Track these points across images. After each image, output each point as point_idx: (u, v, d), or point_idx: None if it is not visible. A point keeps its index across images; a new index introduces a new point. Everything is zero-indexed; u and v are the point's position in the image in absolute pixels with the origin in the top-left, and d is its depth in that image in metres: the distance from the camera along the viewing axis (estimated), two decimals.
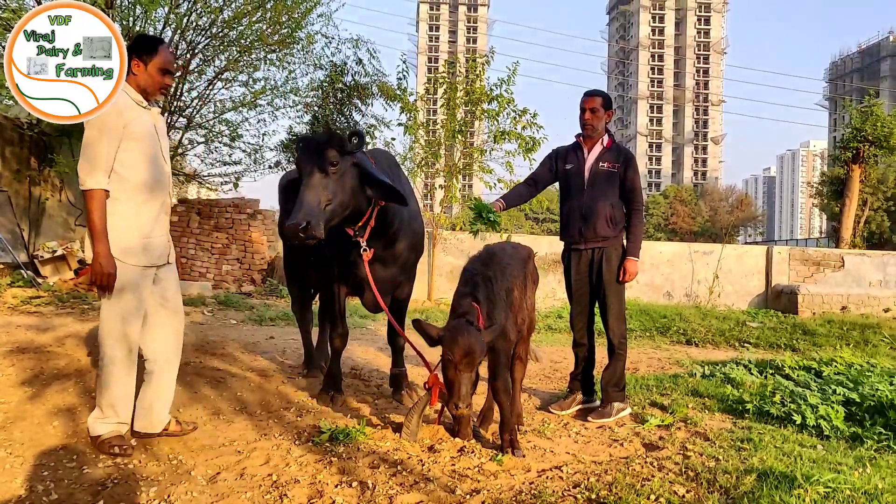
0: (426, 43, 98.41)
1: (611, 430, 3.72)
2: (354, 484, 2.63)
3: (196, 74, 9.73)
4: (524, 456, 3.09)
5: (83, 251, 8.87)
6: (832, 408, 3.80)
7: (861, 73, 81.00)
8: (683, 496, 2.59)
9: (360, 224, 3.44)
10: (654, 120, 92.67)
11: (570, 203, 4.12)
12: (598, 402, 4.15)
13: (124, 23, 8.13)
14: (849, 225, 18.80)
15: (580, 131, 4.14)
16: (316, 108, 11.63)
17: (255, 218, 10.99)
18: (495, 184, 11.21)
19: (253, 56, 9.87)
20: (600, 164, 4.03)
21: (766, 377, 4.95)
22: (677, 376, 5.21)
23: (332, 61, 11.53)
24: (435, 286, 11.15)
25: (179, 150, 10.33)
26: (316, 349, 4.79)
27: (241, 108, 10.56)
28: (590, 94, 4.10)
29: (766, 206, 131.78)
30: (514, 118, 10.54)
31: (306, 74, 11.10)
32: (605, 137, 4.09)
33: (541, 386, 5.10)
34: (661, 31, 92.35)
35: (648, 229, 50.93)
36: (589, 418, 3.92)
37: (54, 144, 8.99)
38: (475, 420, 3.60)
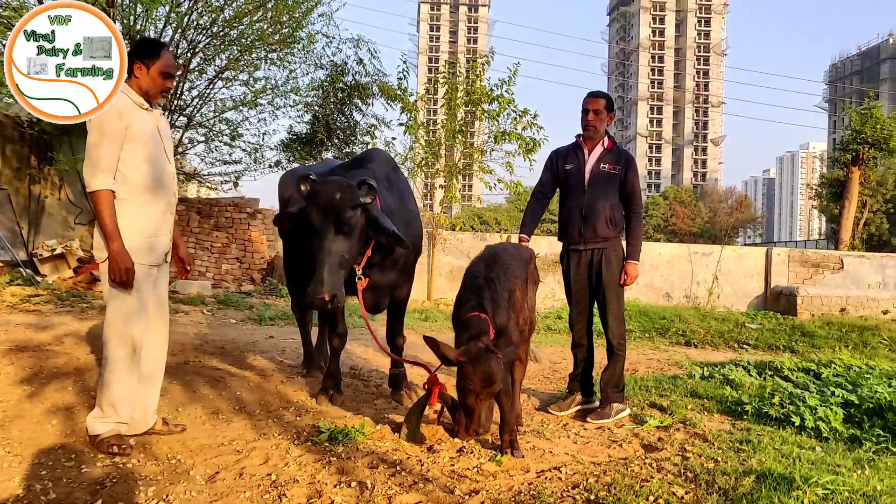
0: (427, 43, 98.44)
1: (610, 430, 3.72)
2: (353, 484, 2.63)
3: (197, 73, 9.74)
4: (523, 456, 3.09)
5: (83, 250, 8.87)
6: (831, 409, 3.80)
7: (861, 76, 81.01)
8: (682, 497, 2.59)
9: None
10: (654, 121, 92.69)
11: (569, 204, 4.11)
12: (597, 403, 4.15)
13: (125, 22, 8.13)
14: (848, 227, 18.80)
15: (581, 132, 4.14)
16: (316, 108, 11.64)
17: (254, 217, 11.00)
18: (495, 184, 11.22)
19: (254, 55, 9.88)
20: (601, 165, 4.03)
21: (764, 379, 4.96)
22: (676, 377, 5.21)
23: (332, 61, 11.54)
24: (435, 286, 11.15)
25: (179, 149, 10.33)
26: (315, 349, 4.79)
27: (241, 108, 10.56)
28: (593, 96, 4.10)
29: (766, 207, 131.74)
30: (515, 119, 10.55)
31: (307, 74, 11.11)
32: (606, 139, 4.09)
33: (540, 386, 5.10)
34: (662, 33, 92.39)
35: (648, 230, 50.92)
36: (588, 419, 3.92)
37: (54, 143, 8.99)
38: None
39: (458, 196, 11.38)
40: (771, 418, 3.90)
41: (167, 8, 8.37)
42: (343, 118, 11.91)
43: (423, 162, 11.35)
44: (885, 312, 10.67)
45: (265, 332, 6.44)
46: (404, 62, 11.22)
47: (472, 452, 3.10)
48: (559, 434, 3.64)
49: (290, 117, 14.24)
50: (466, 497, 2.56)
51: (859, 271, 12.04)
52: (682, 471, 2.91)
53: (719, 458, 3.08)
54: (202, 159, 11.49)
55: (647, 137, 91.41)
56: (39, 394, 3.48)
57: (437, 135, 11.45)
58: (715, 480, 2.76)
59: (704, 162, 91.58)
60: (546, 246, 11.43)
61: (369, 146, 11.80)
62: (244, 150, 11.30)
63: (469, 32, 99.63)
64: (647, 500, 2.54)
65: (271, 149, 11.74)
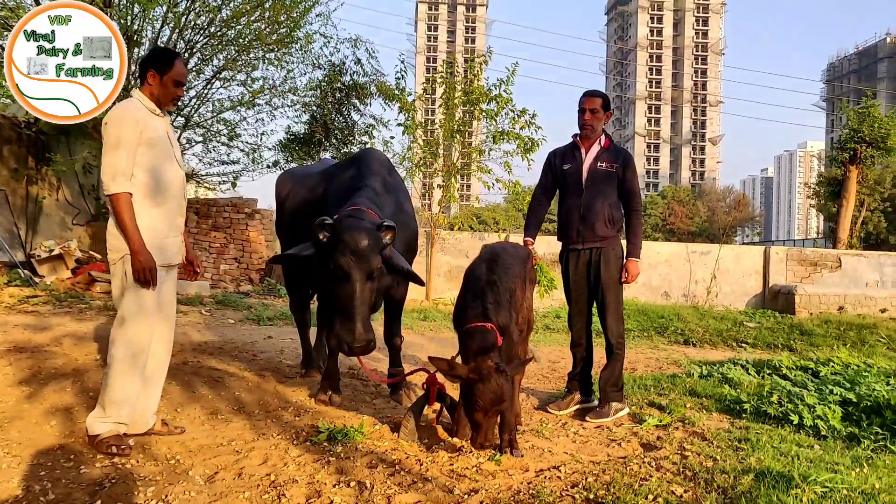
0: (424, 43, 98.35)
1: (609, 429, 3.72)
2: (352, 484, 2.63)
3: (194, 73, 9.73)
4: (522, 456, 3.09)
5: (81, 251, 8.85)
6: (829, 408, 3.81)
7: (858, 75, 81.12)
8: (681, 496, 2.60)
9: None
10: (652, 120, 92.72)
11: (568, 203, 4.11)
12: (596, 402, 4.16)
13: (122, 21, 8.12)
14: (846, 225, 18.82)
15: (577, 131, 4.15)
16: (314, 108, 11.66)
17: (252, 217, 11.00)
18: (493, 184, 11.22)
19: (251, 55, 9.88)
20: (599, 163, 4.03)
21: (763, 377, 4.97)
22: (675, 376, 5.22)
23: (330, 61, 11.56)
24: (433, 286, 11.15)
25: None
26: (314, 349, 4.78)
27: (239, 108, 10.57)
28: (590, 95, 4.10)
29: (764, 206, 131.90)
30: (513, 118, 10.54)
31: (305, 74, 11.15)
32: (603, 137, 4.09)
33: (539, 386, 5.10)
34: (660, 32, 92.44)
35: (646, 229, 50.94)
36: (587, 418, 3.92)
37: (52, 143, 8.97)
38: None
39: (457, 196, 11.37)
40: (769, 417, 3.91)
41: (164, 8, 8.36)
42: (341, 118, 11.92)
43: (422, 162, 11.34)
44: (882, 311, 10.70)
45: (264, 332, 6.43)
46: (402, 62, 11.22)
47: (470, 452, 3.10)
48: (558, 433, 3.64)
49: (287, 117, 14.25)
50: (465, 496, 2.56)
51: (857, 270, 12.07)
52: (681, 469, 2.92)
53: (718, 457, 3.09)
54: (200, 160, 11.52)
55: (645, 137, 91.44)
56: (38, 395, 3.48)
57: (435, 134, 11.45)
58: (714, 479, 2.76)
59: (702, 161, 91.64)
60: (545, 245, 11.41)
61: (367, 146, 11.80)
62: (242, 151, 11.33)
63: (467, 32, 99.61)
64: (646, 498, 2.54)
65: (269, 149, 11.78)
